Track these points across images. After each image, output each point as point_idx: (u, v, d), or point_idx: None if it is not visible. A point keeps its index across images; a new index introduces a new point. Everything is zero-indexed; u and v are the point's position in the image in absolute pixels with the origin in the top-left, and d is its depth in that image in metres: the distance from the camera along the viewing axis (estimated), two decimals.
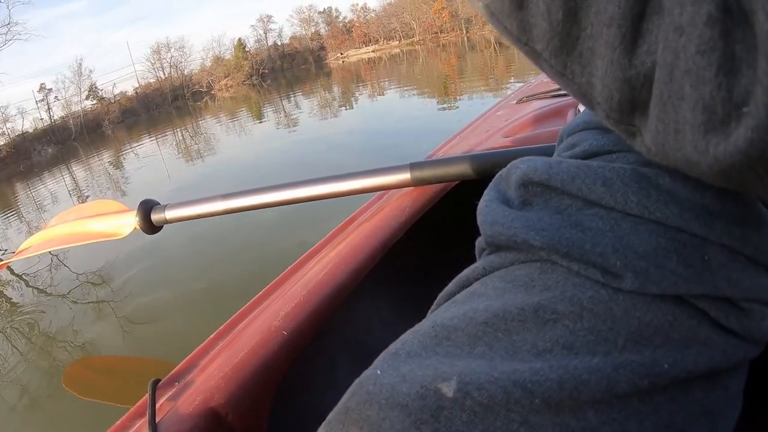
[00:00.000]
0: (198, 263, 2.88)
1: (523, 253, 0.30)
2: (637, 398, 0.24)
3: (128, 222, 1.14)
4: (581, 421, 0.23)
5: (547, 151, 0.65)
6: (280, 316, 0.62)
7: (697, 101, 0.18)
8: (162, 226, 1.11)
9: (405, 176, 0.85)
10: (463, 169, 0.81)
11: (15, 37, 25.73)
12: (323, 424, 0.30)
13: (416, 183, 0.85)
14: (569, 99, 1.19)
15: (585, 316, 0.26)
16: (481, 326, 0.27)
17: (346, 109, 9.18)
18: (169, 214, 1.06)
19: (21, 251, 1.50)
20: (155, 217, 1.08)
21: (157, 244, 3.19)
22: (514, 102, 1.44)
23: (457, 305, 0.31)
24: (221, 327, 0.67)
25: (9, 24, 25.18)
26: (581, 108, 1.09)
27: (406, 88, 10.11)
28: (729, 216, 0.26)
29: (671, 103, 0.20)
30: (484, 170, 0.79)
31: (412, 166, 0.85)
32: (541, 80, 1.72)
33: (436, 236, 1.00)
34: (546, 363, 0.24)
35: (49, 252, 3.55)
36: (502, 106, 1.48)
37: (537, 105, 1.26)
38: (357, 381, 0.29)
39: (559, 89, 1.35)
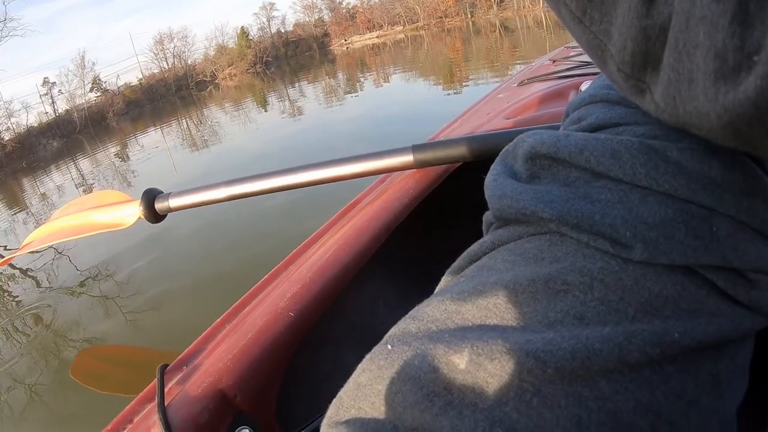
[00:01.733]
0: (203, 253, 2.89)
1: (532, 226, 0.30)
2: (648, 368, 0.24)
3: (132, 212, 1.14)
4: (594, 391, 0.23)
5: None
6: (286, 298, 0.62)
7: (709, 48, 0.18)
8: (166, 215, 1.11)
9: (407, 158, 0.85)
10: (466, 150, 0.81)
11: (11, 33, 25.58)
12: (334, 401, 0.30)
13: (419, 165, 0.85)
14: (570, 81, 1.18)
15: (595, 287, 0.26)
16: (492, 299, 0.28)
17: (351, 96, 9.10)
18: (173, 202, 1.06)
19: (25, 245, 1.51)
20: (159, 205, 1.08)
21: (161, 236, 3.20)
22: (516, 85, 1.44)
23: (466, 279, 0.31)
24: (228, 310, 0.68)
25: (5, 20, 24.97)
26: (582, 89, 1.07)
27: (411, 74, 10.02)
28: (736, 188, 0.26)
29: (686, 51, 0.20)
30: (487, 150, 0.79)
31: (415, 148, 0.84)
32: (542, 63, 1.71)
33: (439, 218, 1.00)
34: (558, 333, 0.24)
35: (54, 248, 3.60)
36: (503, 88, 1.48)
37: (538, 87, 1.26)
38: (368, 356, 0.29)
39: (560, 71, 1.34)
